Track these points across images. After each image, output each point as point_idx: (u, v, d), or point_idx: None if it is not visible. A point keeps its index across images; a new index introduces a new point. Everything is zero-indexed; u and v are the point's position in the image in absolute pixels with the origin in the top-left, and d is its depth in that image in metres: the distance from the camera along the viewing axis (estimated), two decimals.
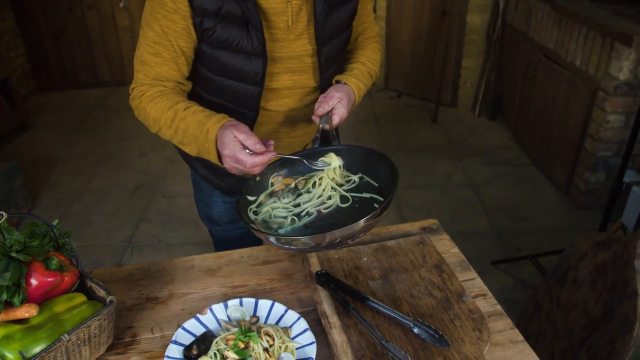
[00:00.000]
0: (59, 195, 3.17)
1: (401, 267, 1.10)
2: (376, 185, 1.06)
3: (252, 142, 0.97)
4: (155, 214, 2.94)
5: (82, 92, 4.73)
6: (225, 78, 1.14)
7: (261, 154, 0.97)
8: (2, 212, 0.89)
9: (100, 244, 2.72)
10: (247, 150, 0.97)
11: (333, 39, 1.19)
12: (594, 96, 2.66)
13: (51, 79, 4.82)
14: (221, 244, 1.55)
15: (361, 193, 1.04)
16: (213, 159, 1.05)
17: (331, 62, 1.23)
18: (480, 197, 2.94)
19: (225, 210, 1.43)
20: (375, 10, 4.42)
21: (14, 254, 0.89)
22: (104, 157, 3.59)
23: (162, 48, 1.08)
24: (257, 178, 1.10)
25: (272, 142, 1.01)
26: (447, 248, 1.20)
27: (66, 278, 0.94)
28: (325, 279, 1.04)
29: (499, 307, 1.04)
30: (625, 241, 1.32)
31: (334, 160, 1.07)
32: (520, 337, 0.97)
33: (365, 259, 1.13)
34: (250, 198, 1.07)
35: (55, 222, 1.03)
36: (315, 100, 1.18)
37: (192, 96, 1.21)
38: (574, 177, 2.87)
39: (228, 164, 1.01)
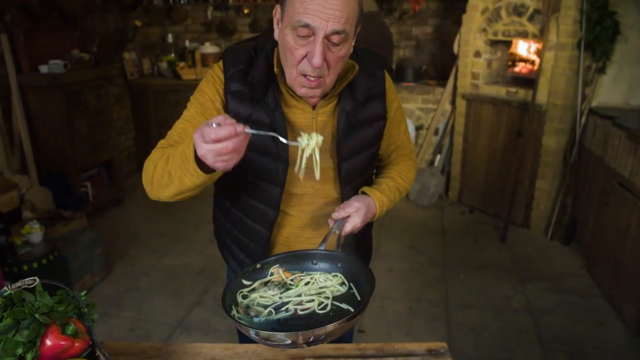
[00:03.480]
0: (131, 268, 3.43)
1: None
2: (358, 299, 1.10)
3: (222, 117, 0.94)
4: (211, 299, 3.07)
5: None
6: (251, 176, 1.27)
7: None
8: (34, 278, 1.04)
9: (154, 319, 2.86)
10: (214, 125, 0.92)
11: (354, 156, 1.29)
12: None
13: None
14: (243, 335, 1.61)
15: (341, 303, 1.08)
16: (192, 166, 1.02)
17: (353, 176, 1.32)
18: (537, 326, 2.76)
19: None
20: (453, 126, 4.56)
21: (37, 315, 1.03)
22: (178, 239, 3.85)
23: (190, 126, 1.22)
24: (258, 265, 1.18)
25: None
26: None
27: (77, 344, 1.05)
28: None
29: None
30: None
31: (312, 138, 1.09)
32: None
33: None
34: (246, 282, 1.15)
35: (82, 294, 1.16)
36: None
37: (220, 191, 1.35)
38: None
39: (200, 147, 0.94)
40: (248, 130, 0.95)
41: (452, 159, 4.62)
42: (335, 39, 1.08)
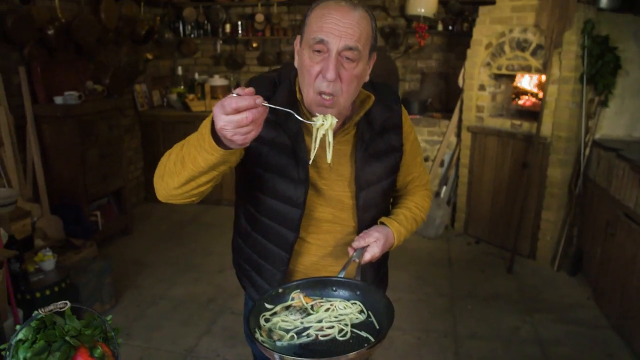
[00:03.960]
0: (140, 297, 3.44)
1: None
2: (377, 327, 1.13)
3: (240, 88, 0.96)
4: (220, 329, 3.07)
5: (183, 206, 5.24)
6: (272, 199, 1.32)
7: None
8: (66, 301, 1.08)
9: (164, 348, 2.87)
10: (234, 94, 0.94)
11: (372, 185, 1.34)
12: None
13: None
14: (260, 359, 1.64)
15: (360, 331, 1.12)
16: (207, 142, 1.02)
17: (370, 206, 1.36)
18: (546, 357, 2.76)
19: None
20: (459, 157, 4.62)
21: (67, 338, 1.06)
22: (186, 268, 3.87)
23: None
24: (280, 290, 1.21)
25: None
26: None
27: None
28: None
29: None
30: None
31: (327, 119, 1.15)
32: None
33: None
34: (268, 306, 1.18)
35: (108, 318, 1.20)
36: None
37: (240, 215, 1.39)
38: None
39: (219, 119, 0.95)
40: (265, 103, 0.96)
41: (457, 190, 4.67)
42: (348, 54, 1.16)
